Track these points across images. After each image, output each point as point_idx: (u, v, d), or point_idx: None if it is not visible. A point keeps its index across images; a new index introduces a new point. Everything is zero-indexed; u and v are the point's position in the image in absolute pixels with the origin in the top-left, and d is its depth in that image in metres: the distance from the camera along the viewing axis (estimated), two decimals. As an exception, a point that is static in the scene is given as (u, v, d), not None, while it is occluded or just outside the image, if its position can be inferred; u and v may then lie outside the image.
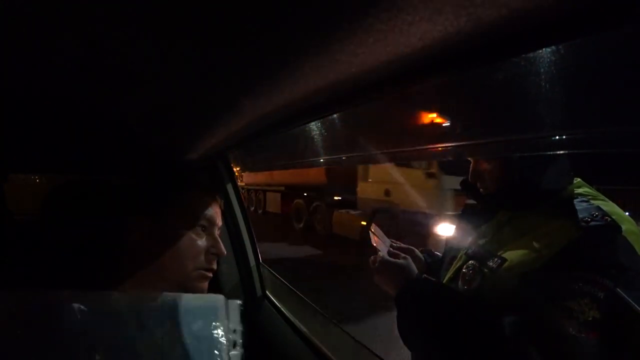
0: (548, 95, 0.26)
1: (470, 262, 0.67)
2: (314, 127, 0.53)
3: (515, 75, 0.26)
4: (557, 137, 0.31)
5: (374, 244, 0.84)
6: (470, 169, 0.74)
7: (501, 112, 0.33)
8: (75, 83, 0.45)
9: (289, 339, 0.92)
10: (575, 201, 0.60)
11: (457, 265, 0.73)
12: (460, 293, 0.66)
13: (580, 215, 0.55)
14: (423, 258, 0.91)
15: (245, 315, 0.68)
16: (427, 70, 0.29)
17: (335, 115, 0.46)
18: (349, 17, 0.25)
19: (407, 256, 0.76)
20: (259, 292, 1.14)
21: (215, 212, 0.67)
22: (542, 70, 0.24)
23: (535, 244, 0.57)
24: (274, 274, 1.20)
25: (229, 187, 1.14)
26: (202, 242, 0.63)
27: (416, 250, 0.91)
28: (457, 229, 0.92)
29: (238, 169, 1.10)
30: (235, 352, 0.75)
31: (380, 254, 0.80)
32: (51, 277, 0.56)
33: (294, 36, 0.29)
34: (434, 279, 0.73)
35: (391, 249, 0.86)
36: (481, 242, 0.72)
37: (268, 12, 0.25)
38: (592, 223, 0.53)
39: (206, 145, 0.87)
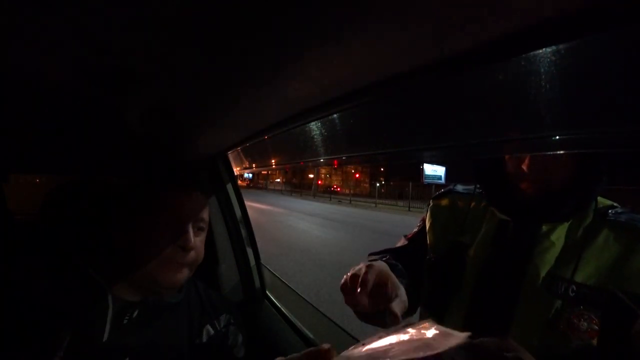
0: (548, 95, 0.26)
1: (579, 308, 0.54)
2: (314, 127, 0.53)
3: (515, 75, 0.26)
4: (557, 137, 0.31)
5: None
6: (529, 166, 0.59)
7: (501, 112, 0.33)
8: (76, 83, 0.45)
9: (289, 339, 0.91)
10: (616, 211, 0.58)
11: (546, 311, 0.56)
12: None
13: None
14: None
15: (245, 315, 0.68)
16: (427, 71, 0.29)
17: (335, 115, 0.46)
18: (348, 19, 0.25)
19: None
20: (259, 292, 1.13)
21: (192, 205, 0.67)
22: (542, 70, 0.24)
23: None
24: (274, 274, 1.20)
25: (229, 187, 1.13)
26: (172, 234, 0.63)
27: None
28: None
29: (238, 168, 1.09)
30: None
31: None
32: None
33: (294, 38, 0.29)
34: None
35: None
36: (559, 270, 0.56)
37: (268, 14, 0.25)
38: None
39: (206, 145, 0.86)
